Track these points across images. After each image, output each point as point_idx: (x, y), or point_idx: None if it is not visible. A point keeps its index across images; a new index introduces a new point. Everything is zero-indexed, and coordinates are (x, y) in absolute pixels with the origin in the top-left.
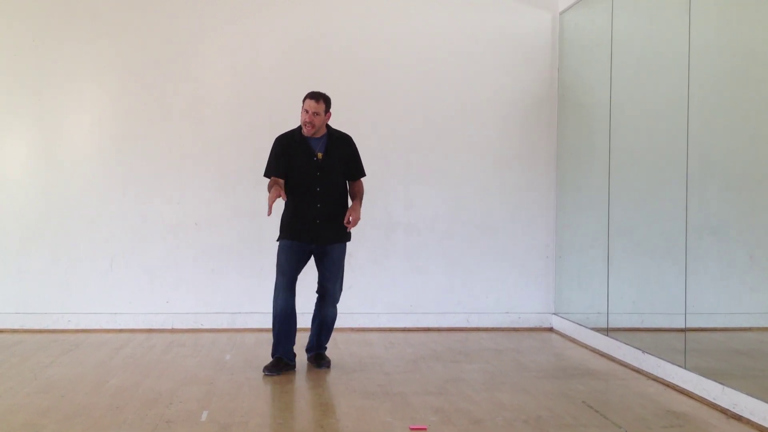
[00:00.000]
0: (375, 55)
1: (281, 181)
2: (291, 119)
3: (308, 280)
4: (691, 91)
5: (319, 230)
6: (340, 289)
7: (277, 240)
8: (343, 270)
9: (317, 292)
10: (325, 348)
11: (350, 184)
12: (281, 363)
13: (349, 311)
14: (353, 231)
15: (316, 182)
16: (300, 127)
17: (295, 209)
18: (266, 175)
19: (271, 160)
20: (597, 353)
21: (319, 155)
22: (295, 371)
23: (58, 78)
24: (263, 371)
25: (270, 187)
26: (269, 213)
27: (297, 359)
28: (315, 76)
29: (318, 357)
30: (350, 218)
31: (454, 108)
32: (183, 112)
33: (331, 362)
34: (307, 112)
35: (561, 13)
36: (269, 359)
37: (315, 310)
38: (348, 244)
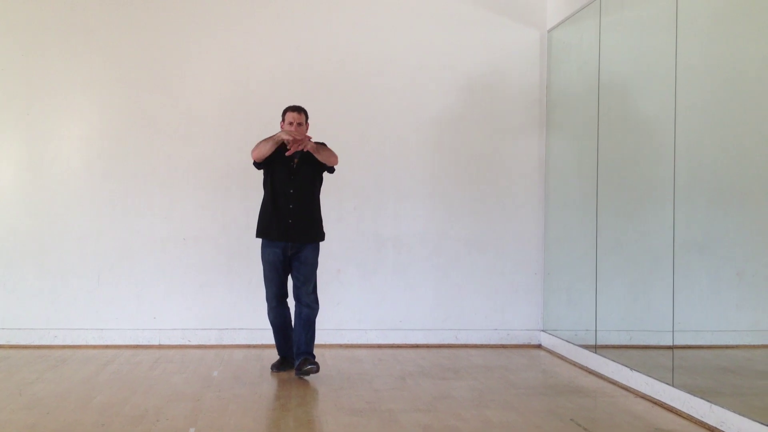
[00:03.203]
0: (364, 71)
1: None
2: None
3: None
4: (678, 108)
5: (291, 229)
6: (315, 290)
7: (256, 236)
8: (316, 273)
9: (293, 296)
10: (313, 355)
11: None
12: (287, 361)
13: (337, 327)
14: (342, 244)
15: (290, 185)
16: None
17: (271, 207)
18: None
19: None
20: (585, 370)
21: (296, 161)
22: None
23: (48, 92)
24: (271, 369)
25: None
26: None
27: (286, 373)
28: (304, 91)
29: (306, 362)
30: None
31: (443, 124)
32: (172, 128)
33: (320, 375)
34: (291, 123)
35: (549, 31)
36: (257, 376)
37: (295, 316)
38: (337, 259)
